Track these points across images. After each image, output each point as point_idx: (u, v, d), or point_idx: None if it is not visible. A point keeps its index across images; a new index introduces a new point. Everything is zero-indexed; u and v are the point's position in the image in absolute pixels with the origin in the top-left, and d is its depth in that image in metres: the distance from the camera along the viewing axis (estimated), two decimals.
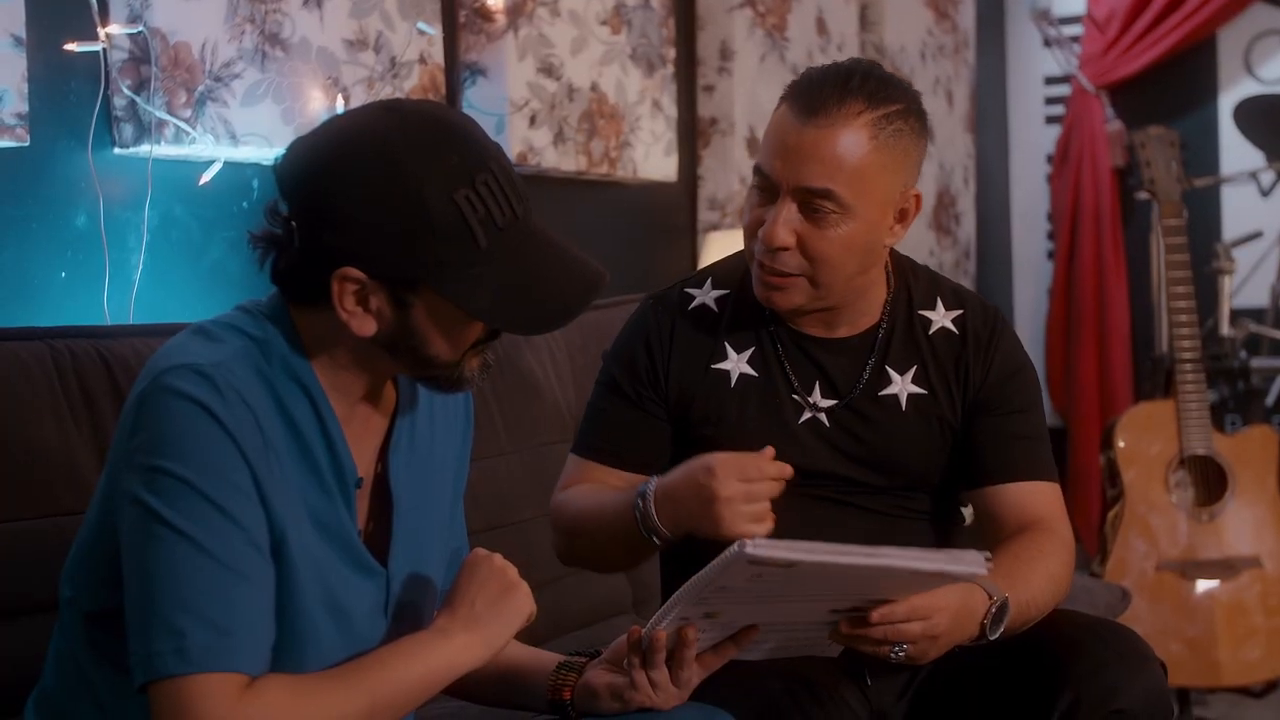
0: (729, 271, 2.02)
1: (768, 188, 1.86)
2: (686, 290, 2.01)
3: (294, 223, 1.44)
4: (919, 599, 1.65)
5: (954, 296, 2.01)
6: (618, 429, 1.97)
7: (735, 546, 1.44)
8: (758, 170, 1.87)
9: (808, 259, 1.85)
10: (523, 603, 1.54)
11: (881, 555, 1.54)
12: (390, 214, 1.40)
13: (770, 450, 1.76)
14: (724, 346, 1.96)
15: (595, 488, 1.96)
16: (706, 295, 2.00)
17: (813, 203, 1.82)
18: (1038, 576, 1.84)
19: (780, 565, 1.46)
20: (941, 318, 1.99)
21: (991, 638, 1.75)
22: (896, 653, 1.68)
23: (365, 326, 1.45)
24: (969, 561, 1.59)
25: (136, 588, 1.37)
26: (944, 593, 1.68)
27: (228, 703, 1.34)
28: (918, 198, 1.91)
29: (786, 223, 1.83)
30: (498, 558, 1.55)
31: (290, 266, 1.46)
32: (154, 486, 1.36)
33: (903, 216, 1.90)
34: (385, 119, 1.45)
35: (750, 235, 1.90)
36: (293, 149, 1.48)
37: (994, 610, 1.74)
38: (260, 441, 1.41)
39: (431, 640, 1.49)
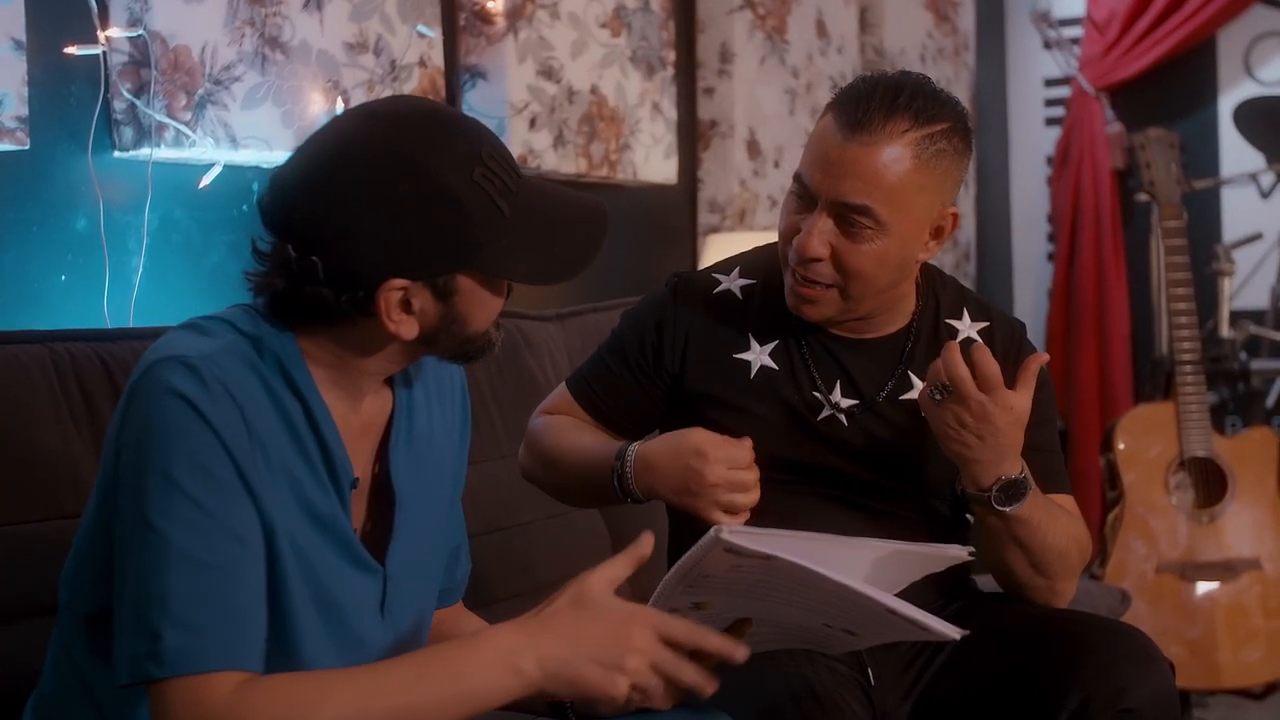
0: (757, 262, 2.03)
1: (806, 196, 1.86)
2: (714, 275, 2.03)
3: (314, 258, 1.40)
4: (1019, 397, 1.78)
5: (980, 308, 2.02)
6: (606, 383, 2.02)
7: (712, 532, 1.42)
8: (797, 178, 1.87)
9: (840, 271, 1.85)
10: (619, 688, 1.40)
11: (860, 582, 1.46)
12: (427, 216, 1.40)
13: (749, 441, 1.77)
14: (747, 337, 1.97)
15: (577, 423, 2.01)
16: (733, 282, 2.01)
17: (849, 217, 1.82)
18: (1061, 518, 1.88)
19: (758, 558, 1.44)
20: (967, 328, 1.99)
21: (996, 506, 1.80)
22: (935, 394, 1.77)
23: (410, 330, 1.45)
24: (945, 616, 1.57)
25: (119, 587, 1.37)
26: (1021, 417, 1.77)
27: (216, 699, 1.32)
28: (955, 215, 1.90)
29: (821, 234, 1.84)
30: (653, 631, 1.41)
31: (316, 300, 1.43)
32: (138, 483, 1.36)
33: (939, 233, 1.90)
34: (373, 126, 1.43)
35: (785, 241, 1.90)
36: (284, 190, 1.44)
37: (1020, 476, 1.79)
38: (245, 435, 1.39)
39: (474, 668, 1.38)
